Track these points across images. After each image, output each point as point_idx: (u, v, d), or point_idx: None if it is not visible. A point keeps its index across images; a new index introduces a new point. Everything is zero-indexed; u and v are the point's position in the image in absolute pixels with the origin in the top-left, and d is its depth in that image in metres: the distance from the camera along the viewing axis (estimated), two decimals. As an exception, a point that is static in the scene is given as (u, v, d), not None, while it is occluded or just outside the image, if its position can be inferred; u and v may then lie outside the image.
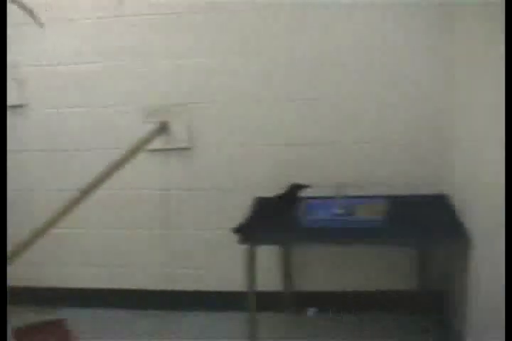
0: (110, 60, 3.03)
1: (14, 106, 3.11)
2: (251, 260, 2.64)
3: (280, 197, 2.78)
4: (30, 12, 2.67)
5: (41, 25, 2.76)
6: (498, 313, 2.03)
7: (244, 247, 2.61)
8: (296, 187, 2.77)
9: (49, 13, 2.91)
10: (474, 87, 2.29)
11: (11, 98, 2.98)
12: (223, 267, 3.30)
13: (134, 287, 3.45)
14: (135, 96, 3.08)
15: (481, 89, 2.18)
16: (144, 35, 2.97)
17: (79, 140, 3.19)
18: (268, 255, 3.16)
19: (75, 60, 3.06)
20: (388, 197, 2.83)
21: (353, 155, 3.00)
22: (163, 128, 3.05)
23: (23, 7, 2.62)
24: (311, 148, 3.03)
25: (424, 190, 2.98)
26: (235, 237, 2.60)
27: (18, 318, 2.94)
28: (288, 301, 3.29)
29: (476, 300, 2.45)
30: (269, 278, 3.19)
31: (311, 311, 3.30)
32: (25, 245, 2.25)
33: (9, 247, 2.18)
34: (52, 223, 2.34)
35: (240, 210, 2.91)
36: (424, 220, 2.67)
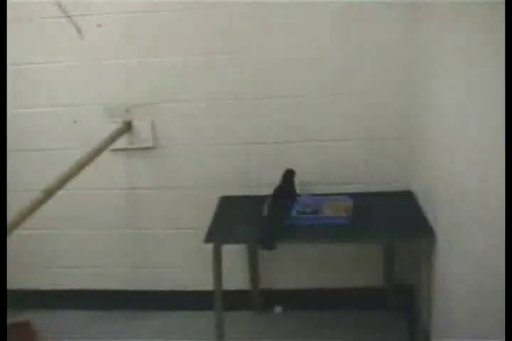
0: (74, 60, 2.99)
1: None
2: (217, 259, 2.63)
3: (280, 189, 2.71)
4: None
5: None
6: (462, 313, 2.08)
7: (210, 246, 2.60)
8: (290, 173, 2.72)
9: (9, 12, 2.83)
10: (438, 86, 2.30)
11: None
12: (191, 266, 3.28)
13: (101, 287, 3.41)
14: (99, 95, 3.04)
15: (444, 87, 2.19)
16: (108, 34, 2.92)
17: (42, 140, 3.15)
18: (235, 254, 3.18)
19: (38, 60, 3.00)
20: (354, 195, 2.83)
21: (318, 154, 3.00)
22: (127, 128, 3.03)
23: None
24: (276, 146, 3.02)
25: (391, 187, 2.99)
26: (201, 236, 2.59)
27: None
28: (256, 300, 3.29)
29: (441, 299, 2.46)
30: (236, 277, 3.21)
31: (277, 309, 3.31)
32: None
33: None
34: (15, 224, 2.29)
35: (206, 209, 2.90)
36: (389, 217, 2.68)
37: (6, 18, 2.36)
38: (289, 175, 2.70)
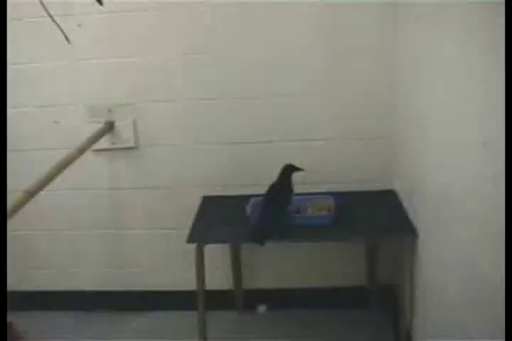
0: (56, 60, 2.97)
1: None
2: (200, 259, 2.62)
3: (276, 185, 2.65)
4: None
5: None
6: (445, 313, 2.08)
7: (193, 246, 2.60)
8: (290, 169, 2.64)
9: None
10: (421, 85, 2.30)
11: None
12: (174, 266, 3.28)
13: (83, 288, 3.40)
14: (80, 95, 3.02)
15: (428, 87, 2.20)
16: (91, 34, 2.91)
17: (24, 140, 3.13)
18: (218, 253, 3.18)
19: (21, 60, 2.98)
20: (336, 194, 2.82)
21: (300, 153, 2.98)
22: (109, 128, 3.01)
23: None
24: (258, 146, 3.02)
25: (373, 187, 3.00)
26: (184, 236, 2.59)
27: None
28: (239, 299, 3.28)
29: (423, 299, 2.46)
30: (219, 277, 3.21)
31: (261, 309, 3.31)
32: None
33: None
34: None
35: (189, 209, 2.91)
36: (371, 217, 2.69)
37: (5, 18, 2.37)
38: (287, 170, 2.64)
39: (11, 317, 2.96)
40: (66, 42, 2.74)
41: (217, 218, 2.79)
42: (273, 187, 2.63)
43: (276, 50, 2.85)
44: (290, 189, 2.61)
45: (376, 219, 2.67)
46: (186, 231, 2.64)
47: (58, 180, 2.56)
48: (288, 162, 2.68)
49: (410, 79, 2.49)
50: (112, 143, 3.06)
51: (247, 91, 2.93)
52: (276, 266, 3.28)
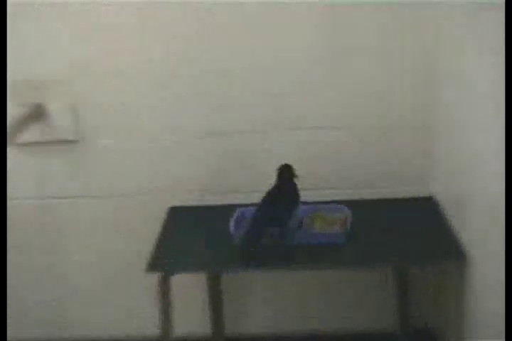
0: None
1: None
2: (165, 294, 2.21)
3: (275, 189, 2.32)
4: None
5: None
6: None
7: (155, 276, 2.18)
8: (290, 169, 2.32)
9: None
10: (461, 80, 2.18)
11: None
12: (129, 305, 2.89)
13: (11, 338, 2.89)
14: None
15: (469, 81, 2.06)
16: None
17: None
18: (191, 285, 2.76)
19: None
20: (353, 203, 2.46)
21: (304, 147, 2.68)
22: (37, 113, 2.60)
23: None
24: (241, 137, 2.70)
25: (404, 193, 2.66)
26: (143, 263, 2.21)
27: None
28: None
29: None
30: (192, 318, 2.81)
31: None
32: None
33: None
34: None
35: (150, 225, 2.50)
36: (401, 234, 2.34)
37: (5, 18, 2.15)
38: (287, 170, 2.29)
39: None
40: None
41: (190, 237, 2.42)
42: (270, 195, 2.28)
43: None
44: (296, 193, 2.28)
45: (408, 237, 2.31)
46: (147, 256, 2.24)
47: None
48: (286, 159, 2.35)
49: (454, 73, 2.40)
50: (43, 134, 2.65)
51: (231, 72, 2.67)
52: (270, 302, 2.91)
